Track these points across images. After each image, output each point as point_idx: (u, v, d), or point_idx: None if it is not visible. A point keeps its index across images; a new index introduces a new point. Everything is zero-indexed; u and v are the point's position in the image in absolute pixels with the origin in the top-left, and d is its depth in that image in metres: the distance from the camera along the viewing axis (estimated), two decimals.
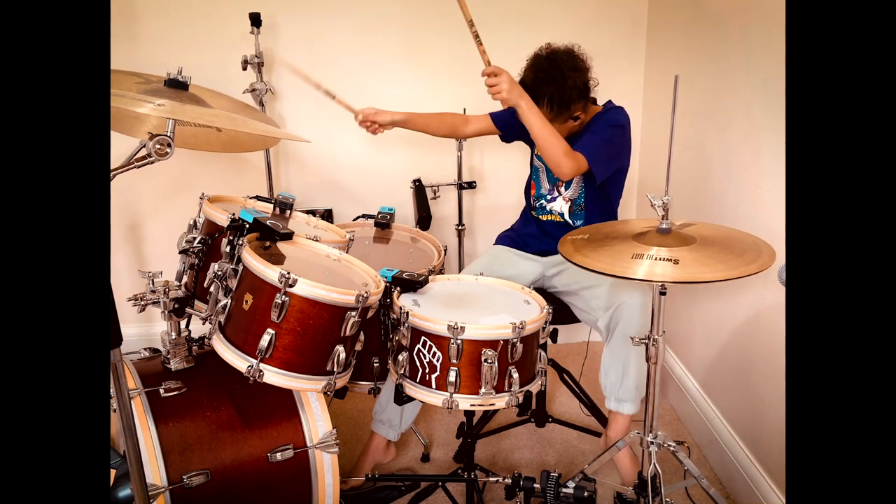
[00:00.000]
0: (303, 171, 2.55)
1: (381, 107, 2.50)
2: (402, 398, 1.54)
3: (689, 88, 2.08)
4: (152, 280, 1.55)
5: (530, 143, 2.05)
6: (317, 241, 1.60)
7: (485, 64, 1.73)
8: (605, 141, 1.84)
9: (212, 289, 1.47)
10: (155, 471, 1.39)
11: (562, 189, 1.98)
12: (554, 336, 1.73)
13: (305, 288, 1.35)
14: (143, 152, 1.41)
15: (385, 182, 2.56)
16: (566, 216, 1.99)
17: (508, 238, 2.11)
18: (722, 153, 1.96)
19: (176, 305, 1.55)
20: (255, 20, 2.24)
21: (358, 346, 1.50)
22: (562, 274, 1.98)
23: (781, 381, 1.67)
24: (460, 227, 2.49)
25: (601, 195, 1.95)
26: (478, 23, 2.42)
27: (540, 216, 2.04)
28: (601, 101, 1.98)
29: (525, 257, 2.04)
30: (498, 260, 2.02)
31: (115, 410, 1.08)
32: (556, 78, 1.80)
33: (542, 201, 2.02)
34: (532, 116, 1.74)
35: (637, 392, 1.82)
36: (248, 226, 1.50)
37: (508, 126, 2.07)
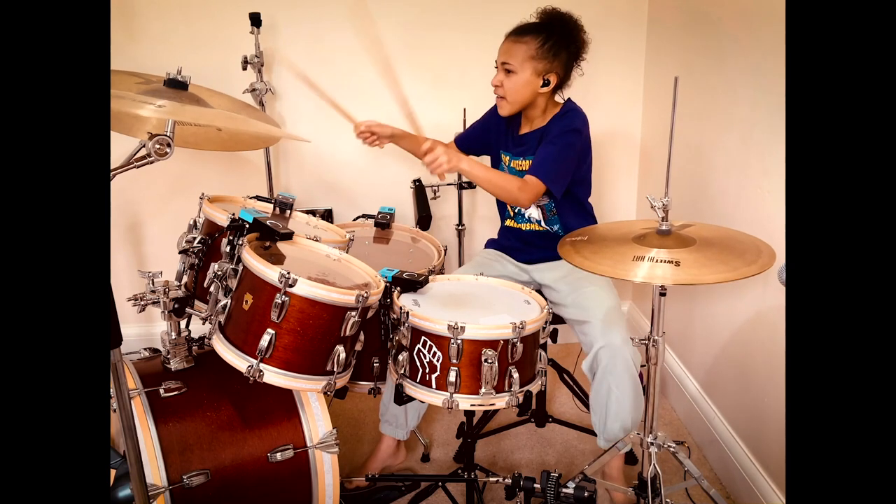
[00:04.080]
0: (303, 171, 2.55)
1: (382, 106, 2.51)
2: (402, 398, 1.55)
3: (689, 89, 2.08)
4: (152, 280, 1.55)
5: (492, 154, 2.06)
6: (317, 241, 1.60)
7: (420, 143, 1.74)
8: (558, 154, 1.83)
9: (212, 289, 1.47)
10: (155, 471, 1.39)
11: None
12: (554, 336, 1.73)
13: (305, 288, 1.35)
14: (143, 152, 1.41)
15: (385, 182, 2.56)
16: (543, 222, 1.97)
17: (496, 243, 2.12)
18: (722, 153, 1.96)
19: (176, 305, 1.55)
20: (255, 20, 2.24)
21: (358, 346, 1.50)
22: (554, 290, 1.94)
23: (781, 381, 1.67)
24: (460, 227, 2.49)
25: (569, 196, 1.93)
26: (477, 21, 2.43)
27: (520, 224, 2.01)
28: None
29: (513, 263, 2.04)
30: (487, 266, 2.01)
31: (115, 410, 1.08)
32: (564, 25, 1.83)
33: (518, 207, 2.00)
34: (476, 171, 1.79)
35: (623, 432, 1.77)
36: (248, 226, 1.50)
37: (468, 147, 2.11)
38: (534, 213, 1.98)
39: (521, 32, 1.83)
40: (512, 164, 1.96)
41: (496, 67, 1.87)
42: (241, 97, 2.16)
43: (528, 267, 2.02)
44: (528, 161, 1.92)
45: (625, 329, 1.74)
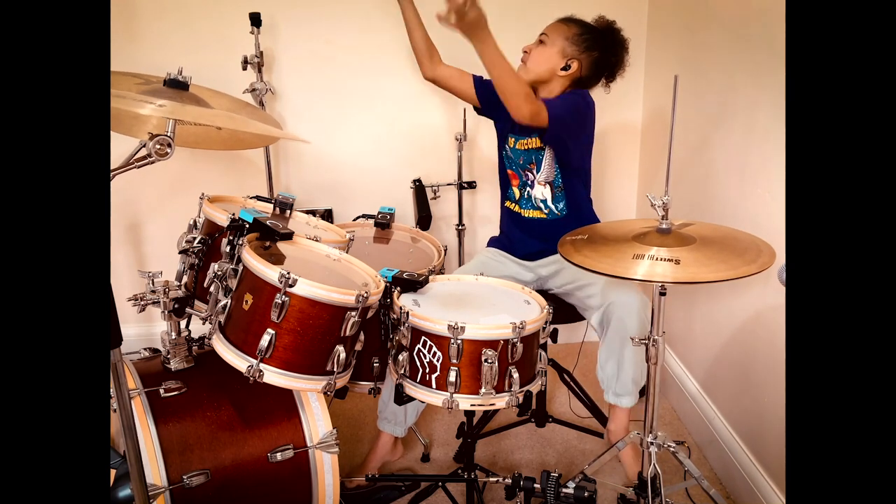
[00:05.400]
0: (303, 171, 2.55)
1: (382, 106, 2.51)
2: (402, 398, 1.55)
3: (689, 88, 2.08)
4: (152, 280, 1.55)
5: (502, 126, 2.04)
6: (317, 241, 1.60)
7: None
8: (564, 101, 1.87)
9: (212, 289, 1.47)
10: (155, 471, 1.39)
11: (534, 171, 1.96)
12: (554, 336, 1.73)
13: (305, 288, 1.34)
14: (143, 152, 1.41)
15: (385, 182, 2.56)
16: (549, 201, 1.97)
17: (498, 241, 2.12)
18: (722, 153, 1.96)
19: (176, 305, 1.55)
20: (255, 20, 2.24)
21: (358, 346, 1.50)
22: (557, 276, 1.98)
23: (781, 381, 1.67)
24: (460, 227, 2.49)
25: (575, 174, 1.94)
26: None
27: (524, 211, 2.01)
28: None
29: (515, 261, 2.04)
30: (489, 264, 2.02)
31: (115, 410, 1.08)
32: (604, 32, 1.89)
33: (528, 189, 1.99)
34: (492, 48, 1.62)
35: (634, 385, 1.83)
36: (248, 226, 1.50)
37: (487, 96, 2.02)
38: (538, 192, 1.97)
39: (570, 19, 1.91)
40: (517, 146, 1.96)
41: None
42: (241, 97, 2.16)
43: (530, 263, 2.02)
44: (533, 139, 1.92)
45: (635, 287, 1.79)
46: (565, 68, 1.88)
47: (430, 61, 2.07)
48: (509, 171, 2.03)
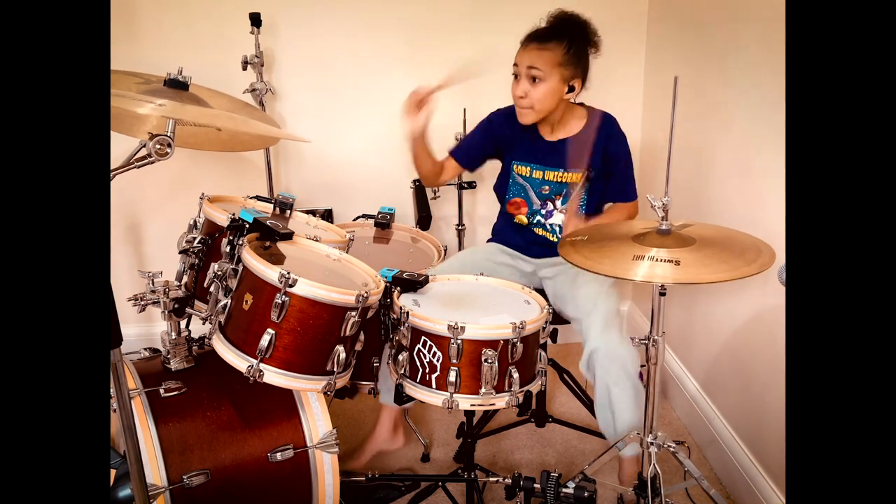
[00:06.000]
0: (303, 171, 2.55)
1: (382, 106, 2.51)
2: (402, 398, 1.55)
3: (689, 89, 2.08)
4: (152, 280, 1.55)
5: (502, 158, 2.01)
6: (317, 241, 1.60)
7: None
8: (631, 172, 1.94)
9: (212, 289, 1.47)
10: (155, 471, 1.39)
11: (557, 203, 1.93)
12: (554, 336, 1.73)
13: (305, 288, 1.35)
14: (143, 152, 1.41)
15: (385, 182, 2.55)
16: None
17: (500, 238, 2.09)
18: (722, 153, 1.96)
19: (176, 305, 1.55)
20: (255, 20, 2.24)
21: (358, 346, 1.50)
22: (552, 280, 1.95)
23: (781, 381, 1.67)
24: (460, 227, 2.49)
25: (601, 203, 1.94)
26: (479, 22, 2.43)
27: (535, 229, 1.99)
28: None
29: (518, 256, 2.02)
30: (493, 257, 2.00)
31: (115, 410, 1.08)
32: (581, 28, 1.84)
33: (539, 217, 1.97)
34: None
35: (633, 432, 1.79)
36: (248, 226, 1.50)
37: (471, 160, 2.04)
38: (557, 220, 1.95)
39: (544, 39, 1.80)
40: (535, 175, 1.92)
41: (515, 75, 1.84)
42: (241, 97, 2.16)
43: (535, 260, 2.01)
44: (569, 174, 1.90)
45: (620, 330, 1.74)
46: (570, 90, 1.83)
47: (436, 179, 2.05)
48: (517, 199, 1.98)
